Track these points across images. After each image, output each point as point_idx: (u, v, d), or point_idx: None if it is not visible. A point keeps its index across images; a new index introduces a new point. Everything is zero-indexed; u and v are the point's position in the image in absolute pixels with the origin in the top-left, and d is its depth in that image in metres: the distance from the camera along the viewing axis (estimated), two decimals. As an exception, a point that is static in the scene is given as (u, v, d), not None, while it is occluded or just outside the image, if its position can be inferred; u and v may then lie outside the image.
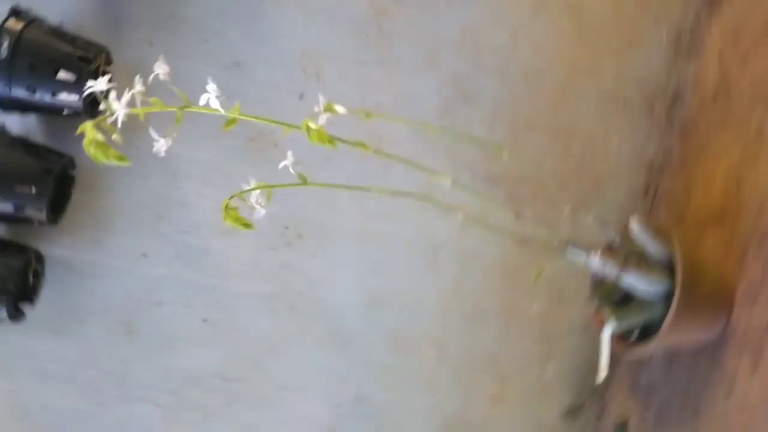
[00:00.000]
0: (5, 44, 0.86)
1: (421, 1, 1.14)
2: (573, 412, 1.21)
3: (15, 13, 0.91)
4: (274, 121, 0.81)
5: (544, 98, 1.20)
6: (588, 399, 1.21)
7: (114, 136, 0.71)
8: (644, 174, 1.23)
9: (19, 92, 0.89)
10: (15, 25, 0.88)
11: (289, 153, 0.78)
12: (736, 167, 1.02)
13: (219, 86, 1.13)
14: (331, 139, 0.81)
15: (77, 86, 0.89)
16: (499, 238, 0.97)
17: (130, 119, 0.69)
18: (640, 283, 0.91)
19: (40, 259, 1.01)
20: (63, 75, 0.88)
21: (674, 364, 1.04)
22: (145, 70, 0.73)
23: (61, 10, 1.03)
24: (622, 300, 0.99)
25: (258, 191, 0.78)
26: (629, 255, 0.95)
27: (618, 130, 1.21)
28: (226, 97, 1.14)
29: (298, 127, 0.79)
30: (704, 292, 0.92)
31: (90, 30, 1.05)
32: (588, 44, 1.20)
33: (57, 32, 0.94)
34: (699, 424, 0.94)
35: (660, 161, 1.23)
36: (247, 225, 0.78)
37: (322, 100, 0.82)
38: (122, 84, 0.69)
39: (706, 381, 0.95)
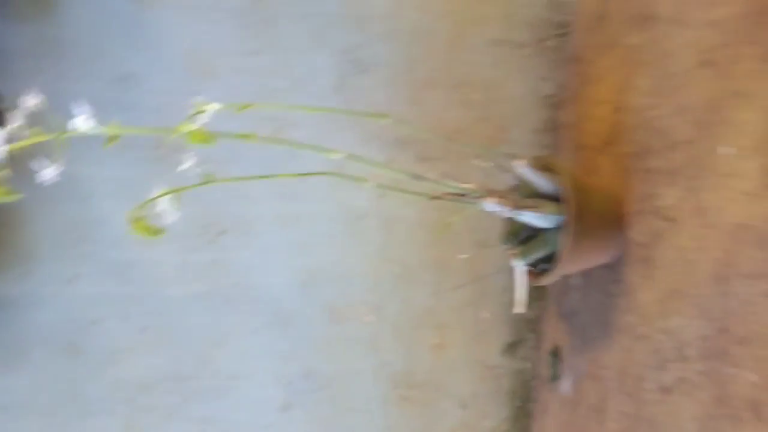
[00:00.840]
0: None
1: (295, -20, 1.15)
2: (512, 347, 1.28)
3: None
4: (153, 130, 0.83)
5: (437, 54, 1.22)
6: (524, 333, 1.29)
7: (1, 173, 0.73)
8: (545, 111, 1.27)
9: None
10: None
11: (187, 156, 0.79)
12: (617, 90, 1.07)
13: (112, 99, 1.14)
14: (210, 137, 0.83)
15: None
16: (416, 199, 1.01)
17: (33, 150, 0.71)
18: (535, 219, 0.96)
19: (-32, 300, 1.03)
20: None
21: (588, 287, 1.11)
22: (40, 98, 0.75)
23: (-66, 54, 1.03)
24: (530, 236, 1.05)
25: (167, 197, 0.80)
26: (526, 194, 1.00)
27: (513, 73, 1.25)
28: (122, 109, 1.16)
29: (175, 131, 0.81)
30: (596, 216, 0.97)
31: (-31, 69, 1.05)
32: (469, -6, 1.22)
33: (-72, 79, 0.94)
34: (611, 341, 1.01)
35: (558, 96, 1.26)
36: (156, 232, 0.81)
37: (198, 101, 0.84)
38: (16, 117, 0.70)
39: (612, 297, 1.02)
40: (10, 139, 0.75)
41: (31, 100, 0.79)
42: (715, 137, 0.80)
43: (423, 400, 1.26)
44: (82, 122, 0.79)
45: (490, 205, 0.95)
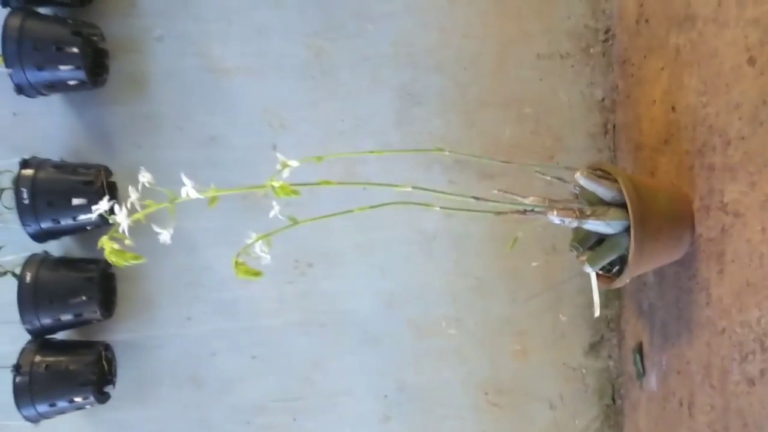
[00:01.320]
0: (25, 193, 1.05)
1: (349, 30, 1.26)
2: (594, 347, 1.32)
3: (25, 163, 1.10)
4: (246, 189, 0.95)
5: (486, 76, 1.29)
6: (604, 332, 1.31)
7: (126, 242, 0.87)
8: (599, 115, 1.30)
9: (47, 225, 1.08)
10: (27, 173, 1.07)
11: (274, 203, 0.90)
12: (667, 90, 1.09)
13: (202, 160, 1.29)
14: (294, 191, 0.94)
15: (90, 206, 1.07)
16: (483, 216, 1.08)
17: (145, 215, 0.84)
18: (600, 226, 1.00)
19: (108, 347, 1.21)
20: (76, 202, 1.07)
21: (663, 284, 1.13)
22: (139, 171, 0.86)
23: (60, 142, 1.22)
24: (599, 241, 1.09)
25: (260, 241, 0.92)
26: (589, 201, 1.05)
27: (563, 83, 1.29)
28: (212, 167, 1.31)
29: (264, 186, 0.93)
30: (661, 216, 1.00)
31: (87, 151, 1.23)
32: (510, 13, 1.27)
33: (61, 167, 1.12)
34: (692, 336, 1.03)
35: (610, 99, 1.29)
36: (256, 274, 0.93)
37: (280, 158, 0.95)
38: (126, 187, 0.82)
39: (689, 293, 1.04)
40: (129, 212, 0.89)
41: (143, 177, 0.92)
42: (769, 134, 0.82)
43: (512, 404, 1.32)
44: (187, 191, 0.91)
45: (554, 218, 1.01)
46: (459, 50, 1.28)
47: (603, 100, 1.30)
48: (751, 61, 0.86)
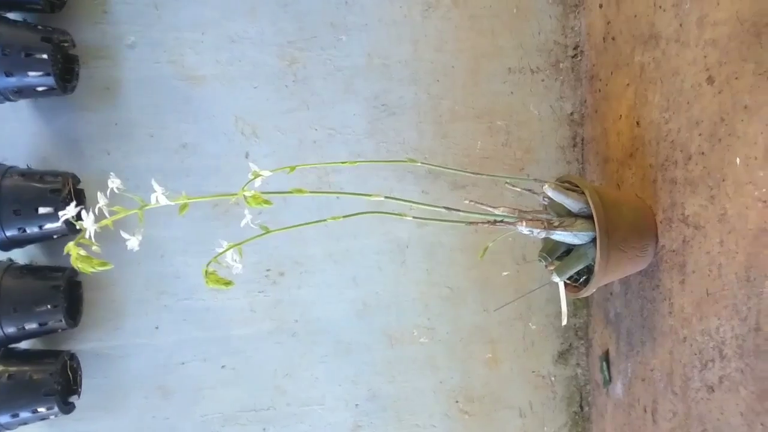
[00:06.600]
0: (-11, 200, 1.03)
1: (323, 41, 1.27)
2: (563, 355, 1.34)
3: (-12, 170, 1.07)
4: (218, 196, 0.95)
5: (458, 89, 1.31)
6: (573, 340, 1.34)
7: (93, 248, 0.86)
8: (568, 129, 1.33)
9: (13, 233, 1.06)
10: (-8, 180, 1.05)
11: (246, 211, 0.90)
12: (633, 106, 1.12)
13: (174, 168, 1.28)
14: (267, 200, 0.94)
15: (57, 215, 1.06)
16: (454, 225, 1.08)
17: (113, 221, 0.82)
18: (567, 237, 1.03)
19: (73, 357, 1.19)
20: (43, 210, 1.05)
21: (629, 293, 1.16)
22: (108, 178, 0.84)
23: (28, 149, 1.20)
24: (567, 252, 1.11)
25: (231, 250, 0.92)
26: (558, 213, 1.07)
27: (533, 97, 1.32)
28: (183, 175, 1.30)
29: (236, 195, 0.92)
30: (626, 228, 1.03)
31: (55, 157, 1.21)
32: (482, 28, 1.30)
33: (27, 175, 1.10)
34: (655, 344, 1.06)
35: (579, 113, 1.32)
36: (227, 283, 0.92)
37: (253, 168, 0.94)
38: (94, 194, 0.81)
39: (652, 303, 1.07)
40: (97, 218, 0.88)
41: (112, 183, 0.91)
42: (727, 149, 0.85)
43: (483, 411, 1.33)
44: (157, 198, 0.90)
45: (523, 229, 1.03)
46: (432, 63, 1.30)
47: (572, 114, 1.33)
48: (710, 80, 0.89)
